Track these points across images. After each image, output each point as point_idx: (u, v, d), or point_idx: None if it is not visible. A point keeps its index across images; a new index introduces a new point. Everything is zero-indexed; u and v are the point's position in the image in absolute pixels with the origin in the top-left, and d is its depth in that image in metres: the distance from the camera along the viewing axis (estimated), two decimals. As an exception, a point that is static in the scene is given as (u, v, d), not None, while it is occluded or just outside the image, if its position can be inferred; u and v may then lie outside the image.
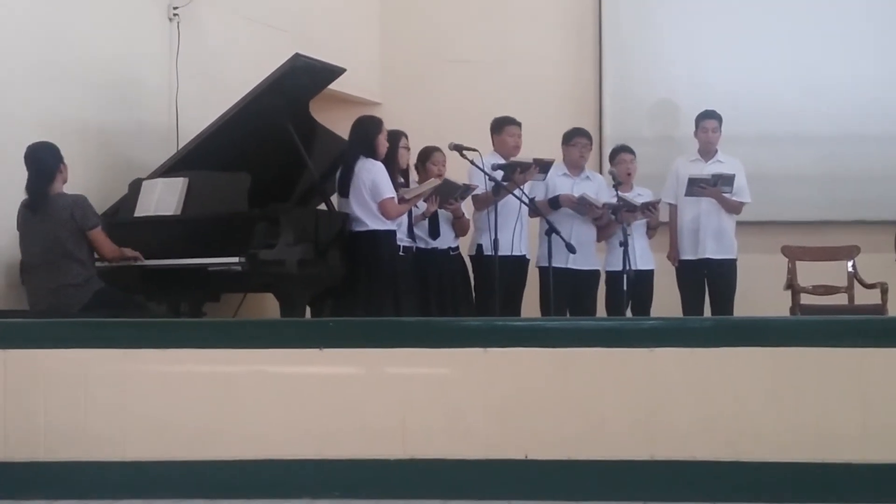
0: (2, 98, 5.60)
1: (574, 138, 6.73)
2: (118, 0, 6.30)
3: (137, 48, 6.41)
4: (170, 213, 5.68)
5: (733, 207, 6.75)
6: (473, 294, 6.49)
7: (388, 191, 5.81)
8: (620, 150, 6.85)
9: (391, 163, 5.99)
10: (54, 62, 5.88)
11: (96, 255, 5.38)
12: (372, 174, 5.79)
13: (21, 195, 5.32)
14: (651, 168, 6.99)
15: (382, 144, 5.92)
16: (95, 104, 6.11)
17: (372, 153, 5.86)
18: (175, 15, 6.60)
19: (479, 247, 6.37)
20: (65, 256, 5.20)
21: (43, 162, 5.25)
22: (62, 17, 5.94)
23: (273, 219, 5.45)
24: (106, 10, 6.21)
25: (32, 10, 5.78)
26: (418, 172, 6.46)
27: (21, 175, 5.29)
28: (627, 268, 6.22)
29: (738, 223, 6.86)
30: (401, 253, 6.00)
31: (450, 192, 6.16)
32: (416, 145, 6.49)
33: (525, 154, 6.43)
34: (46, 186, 5.24)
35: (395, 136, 6.14)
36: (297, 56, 5.78)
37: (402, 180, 6.21)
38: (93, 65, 6.10)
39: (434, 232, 6.25)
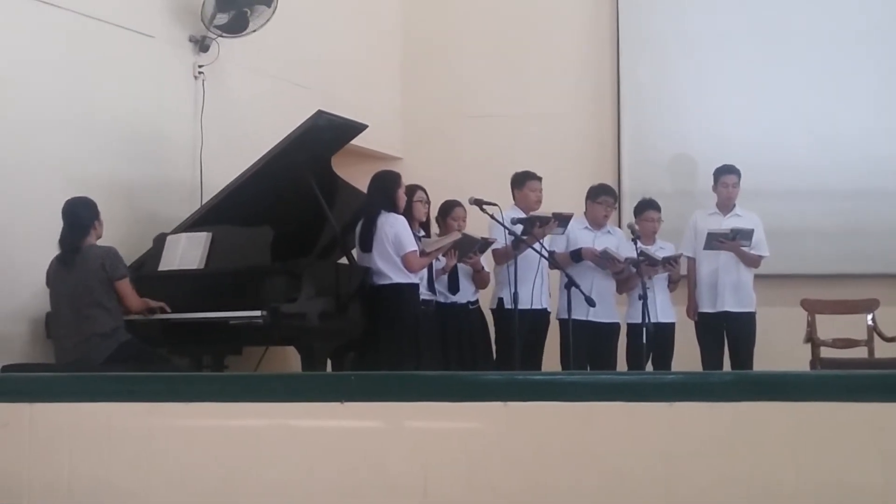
0: (30, 153, 5.69)
1: (601, 196, 6.76)
2: (145, 58, 6.41)
3: (163, 105, 6.53)
4: (193, 267, 5.73)
5: (752, 261, 6.76)
6: (493, 347, 6.51)
7: (411, 244, 5.87)
8: (648, 207, 6.86)
9: (407, 216, 6.05)
10: (82, 118, 5.98)
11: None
12: (395, 228, 5.85)
13: (48, 249, 5.37)
14: (669, 222, 6.99)
15: (402, 198, 6.00)
16: (122, 159, 6.20)
17: (393, 207, 5.93)
18: (200, 73, 6.71)
19: (500, 300, 6.41)
20: (94, 305, 5.25)
21: (78, 217, 5.33)
22: (90, 74, 6.06)
23: (295, 273, 5.50)
24: (133, 67, 6.32)
25: (62, 68, 5.90)
26: (439, 226, 6.52)
27: (48, 229, 5.37)
28: (647, 321, 6.24)
29: (757, 276, 6.86)
30: (421, 307, 6.04)
31: (468, 247, 6.20)
32: (436, 199, 6.56)
33: (544, 209, 6.49)
34: (79, 241, 5.32)
35: (411, 190, 6.22)
36: (319, 113, 5.85)
37: (422, 233, 6.27)
38: (120, 121, 6.20)
39: (454, 287, 6.30)
